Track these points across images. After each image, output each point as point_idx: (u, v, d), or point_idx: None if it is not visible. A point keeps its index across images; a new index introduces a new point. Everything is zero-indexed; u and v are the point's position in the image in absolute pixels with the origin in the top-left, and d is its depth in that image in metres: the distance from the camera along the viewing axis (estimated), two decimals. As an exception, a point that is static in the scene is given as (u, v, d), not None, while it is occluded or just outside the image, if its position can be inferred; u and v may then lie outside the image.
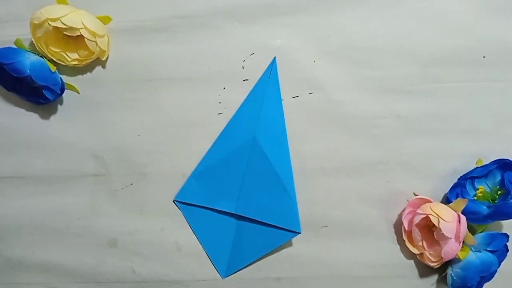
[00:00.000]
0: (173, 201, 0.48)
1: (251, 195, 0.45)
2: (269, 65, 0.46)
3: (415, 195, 0.46)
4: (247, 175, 0.45)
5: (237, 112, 0.46)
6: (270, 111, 0.46)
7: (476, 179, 0.45)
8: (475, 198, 0.45)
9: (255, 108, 0.45)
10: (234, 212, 0.46)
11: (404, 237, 0.46)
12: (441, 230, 0.42)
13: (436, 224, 0.42)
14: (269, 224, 0.45)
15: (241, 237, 0.47)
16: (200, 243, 0.48)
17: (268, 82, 0.46)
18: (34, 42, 0.44)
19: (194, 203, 0.47)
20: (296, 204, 0.45)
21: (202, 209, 0.47)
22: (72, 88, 0.48)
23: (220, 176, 0.46)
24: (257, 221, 0.46)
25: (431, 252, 0.44)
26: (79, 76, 0.48)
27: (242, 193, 0.46)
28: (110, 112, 0.48)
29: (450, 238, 0.42)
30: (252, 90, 0.46)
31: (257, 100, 0.46)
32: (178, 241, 0.48)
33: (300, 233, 0.45)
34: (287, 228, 0.45)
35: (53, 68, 0.45)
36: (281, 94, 0.46)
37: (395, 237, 0.47)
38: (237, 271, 0.47)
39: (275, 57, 0.46)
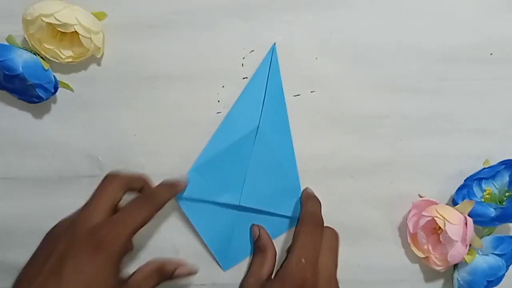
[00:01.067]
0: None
1: (255, 186, 0.44)
2: (269, 51, 0.45)
3: (420, 196, 0.45)
4: (250, 165, 0.44)
5: (238, 101, 0.45)
6: (273, 99, 0.45)
7: (483, 180, 0.44)
8: (482, 200, 0.44)
9: (257, 96, 0.44)
10: (238, 204, 0.45)
11: (409, 240, 0.45)
12: (447, 233, 0.41)
13: (442, 226, 0.41)
14: (272, 213, 0.45)
15: (243, 228, 0.46)
16: (201, 236, 0.46)
17: (269, 69, 0.45)
18: (26, 39, 0.43)
19: (195, 197, 0.46)
20: (300, 191, 0.45)
21: (202, 202, 0.46)
22: (66, 86, 0.46)
23: (222, 167, 0.45)
24: (259, 211, 0.45)
25: (437, 256, 0.43)
26: (73, 74, 0.47)
27: (246, 183, 0.44)
28: (106, 111, 0.47)
29: (457, 241, 0.41)
30: (252, 78, 0.45)
31: (258, 88, 0.44)
32: (175, 244, 0.47)
33: None
34: (291, 215, 0.45)
35: (46, 66, 0.44)
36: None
37: (400, 240, 0.46)
38: (239, 263, 0.47)
39: (274, 43, 0.45)
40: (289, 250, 0.40)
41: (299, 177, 0.45)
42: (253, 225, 0.46)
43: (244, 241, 0.46)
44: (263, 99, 0.44)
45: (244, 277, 0.42)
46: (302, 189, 0.46)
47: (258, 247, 0.44)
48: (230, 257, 0.47)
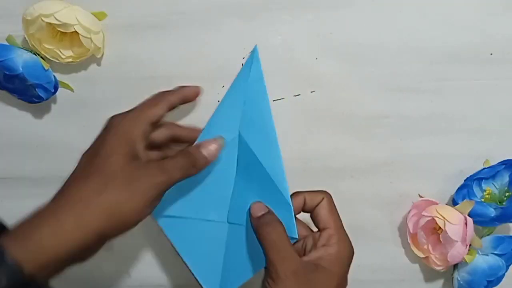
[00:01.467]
0: (152, 217, 0.39)
1: (243, 200, 0.39)
2: (250, 53, 0.43)
3: (420, 196, 0.45)
4: (237, 177, 0.40)
5: (217, 110, 0.41)
6: (254, 105, 0.40)
7: (483, 180, 0.44)
8: (482, 200, 0.44)
9: (237, 103, 0.40)
10: (226, 221, 0.40)
11: (409, 240, 0.45)
12: (447, 233, 0.41)
13: (442, 226, 0.41)
14: None
15: (233, 251, 0.39)
16: (185, 263, 0.40)
17: (250, 73, 0.41)
18: (27, 39, 0.43)
19: (176, 215, 0.40)
20: (291, 207, 0.38)
21: (186, 222, 0.40)
22: (66, 86, 0.46)
23: (203, 181, 0.40)
24: (250, 230, 0.38)
25: (437, 256, 0.43)
26: (74, 74, 0.46)
27: (233, 199, 0.40)
28: (106, 111, 0.46)
29: (457, 241, 0.41)
30: (232, 84, 0.42)
31: (238, 94, 0.41)
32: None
33: (297, 238, 0.38)
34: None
35: (46, 66, 0.44)
36: (281, 92, 0.45)
37: (400, 240, 0.46)
38: None
39: (256, 45, 0.43)
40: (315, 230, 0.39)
41: (287, 186, 0.38)
42: (254, 203, 0.38)
43: (237, 267, 0.39)
44: (243, 106, 0.40)
45: (275, 256, 0.35)
46: (290, 199, 0.38)
47: (271, 220, 0.37)
48: (224, 283, 0.40)
